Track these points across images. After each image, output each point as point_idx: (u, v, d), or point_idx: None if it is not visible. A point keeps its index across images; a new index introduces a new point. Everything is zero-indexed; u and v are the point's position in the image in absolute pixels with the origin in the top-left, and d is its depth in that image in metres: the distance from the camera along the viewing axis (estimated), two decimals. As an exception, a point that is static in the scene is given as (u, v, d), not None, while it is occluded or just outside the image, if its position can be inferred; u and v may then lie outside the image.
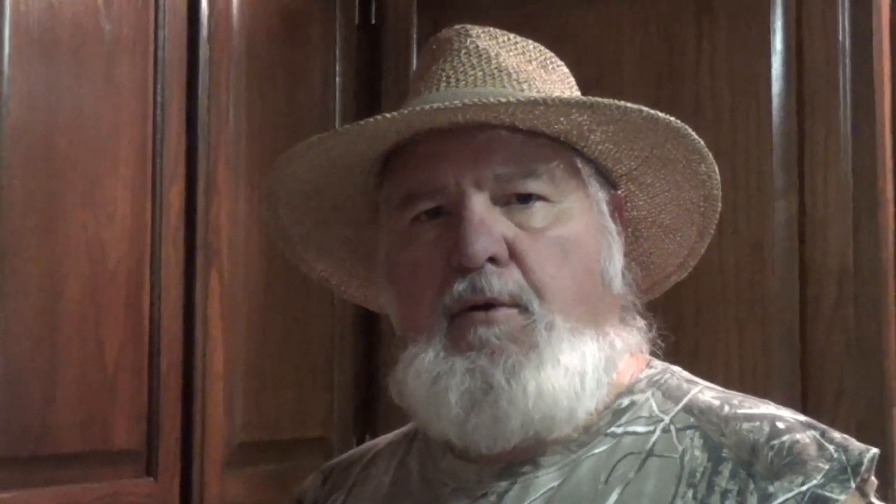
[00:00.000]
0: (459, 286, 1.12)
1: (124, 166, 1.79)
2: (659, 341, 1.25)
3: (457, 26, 1.22)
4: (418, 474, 1.25)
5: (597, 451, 1.16)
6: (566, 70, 1.26)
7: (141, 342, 1.82)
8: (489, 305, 1.12)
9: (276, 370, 2.12)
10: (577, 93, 1.26)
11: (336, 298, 2.21)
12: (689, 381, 1.22)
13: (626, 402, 1.19)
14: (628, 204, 1.25)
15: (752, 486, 1.09)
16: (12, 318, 1.60)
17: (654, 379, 1.21)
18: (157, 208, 1.84)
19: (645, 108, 1.13)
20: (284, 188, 1.24)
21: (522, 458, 1.16)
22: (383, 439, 1.37)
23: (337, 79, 2.30)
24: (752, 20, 2.15)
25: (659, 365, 1.24)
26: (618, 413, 1.18)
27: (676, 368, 1.25)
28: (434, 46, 1.22)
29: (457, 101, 1.10)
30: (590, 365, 1.13)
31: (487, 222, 1.12)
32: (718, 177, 1.22)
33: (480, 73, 1.17)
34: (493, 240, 1.12)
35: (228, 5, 2.01)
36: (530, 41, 1.23)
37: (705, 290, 2.13)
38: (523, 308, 1.12)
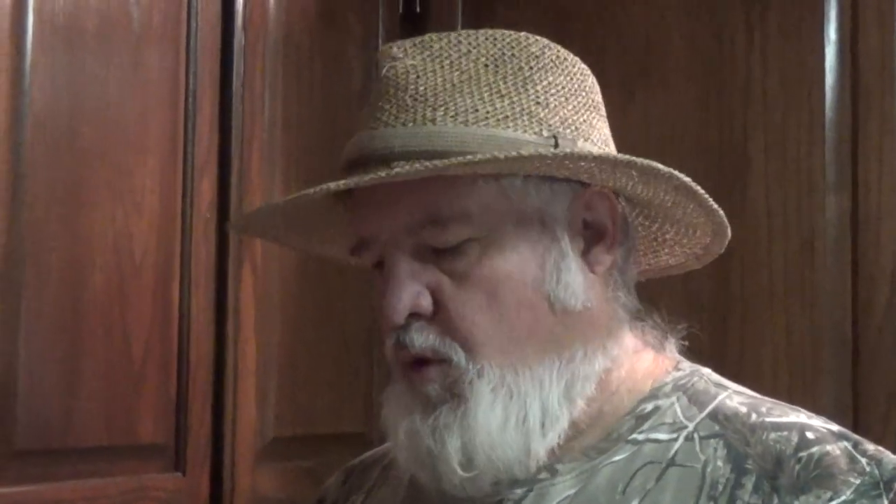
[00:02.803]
0: (389, 342, 1.12)
1: (153, 156, 1.76)
2: (682, 342, 1.19)
3: (385, 46, 1.17)
4: (434, 480, 1.21)
5: (616, 458, 1.11)
6: (534, 51, 1.14)
7: (169, 335, 1.79)
8: (423, 360, 1.11)
9: (311, 364, 2.09)
10: (541, 76, 1.13)
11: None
12: (717, 385, 1.17)
13: (649, 406, 1.14)
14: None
15: (776, 500, 1.04)
16: (35, 309, 1.58)
17: (681, 382, 1.16)
18: (187, 200, 1.82)
19: (503, 156, 1.05)
20: (268, 237, 1.30)
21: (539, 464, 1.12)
22: (404, 439, 1.33)
23: (379, 68, 2.26)
24: (806, 8, 2.10)
25: (687, 367, 1.19)
26: (641, 418, 1.14)
27: (706, 371, 1.19)
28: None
29: (323, 186, 1.08)
30: (534, 402, 1.10)
31: (403, 282, 1.09)
32: (667, 170, 1.10)
33: (394, 109, 1.11)
34: (411, 296, 1.09)
35: (265, -8, 1.98)
36: (485, 32, 1.14)
37: (753, 288, 2.08)
38: (448, 361, 1.10)
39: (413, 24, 2.33)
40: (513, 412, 1.09)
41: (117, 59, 1.70)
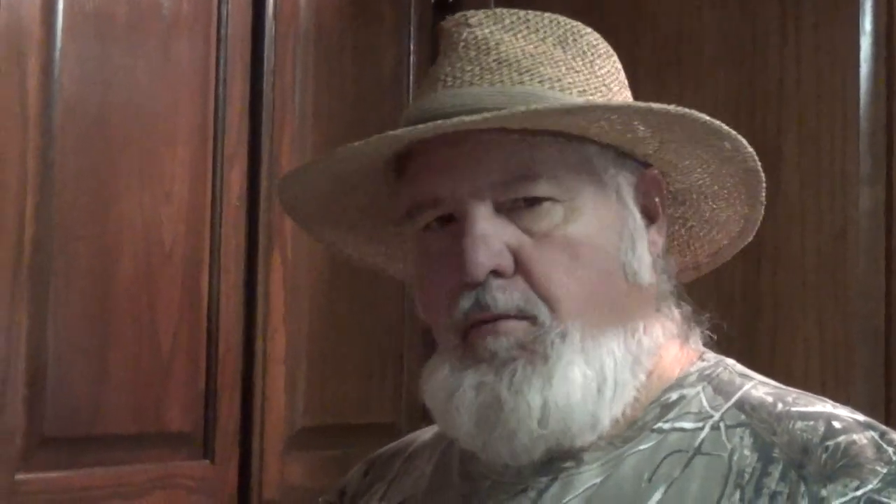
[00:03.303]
0: (466, 303, 1.08)
1: (182, 145, 1.76)
2: (710, 334, 1.19)
3: (458, 14, 1.16)
4: (459, 468, 1.21)
5: (641, 447, 1.11)
6: (591, 39, 1.17)
7: (198, 324, 1.79)
8: (497, 319, 1.08)
9: (341, 353, 2.09)
10: (602, 62, 1.17)
11: (407, 279, 2.17)
12: (742, 376, 1.16)
13: (674, 396, 1.13)
14: (667, 178, 1.18)
15: (803, 488, 1.03)
16: (63, 297, 1.58)
17: (706, 372, 1.15)
18: (216, 189, 1.82)
19: (634, 104, 1.06)
20: (301, 204, 1.22)
21: (565, 452, 1.11)
22: (429, 430, 1.32)
23: (410, 59, 2.25)
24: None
25: (712, 357, 1.18)
26: (666, 407, 1.13)
27: (730, 361, 1.18)
28: (439, 38, 1.17)
29: (421, 126, 1.05)
30: (609, 370, 1.08)
31: (487, 235, 1.07)
32: (750, 149, 1.13)
33: (478, 70, 1.11)
34: (494, 253, 1.07)
35: (296, -20, 1.98)
36: (547, 16, 1.15)
37: (785, 281, 2.07)
38: (532, 319, 1.08)
39: (445, 13, 2.31)
40: (591, 377, 1.08)
41: (147, 47, 1.71)
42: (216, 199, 1.82)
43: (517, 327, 1.07)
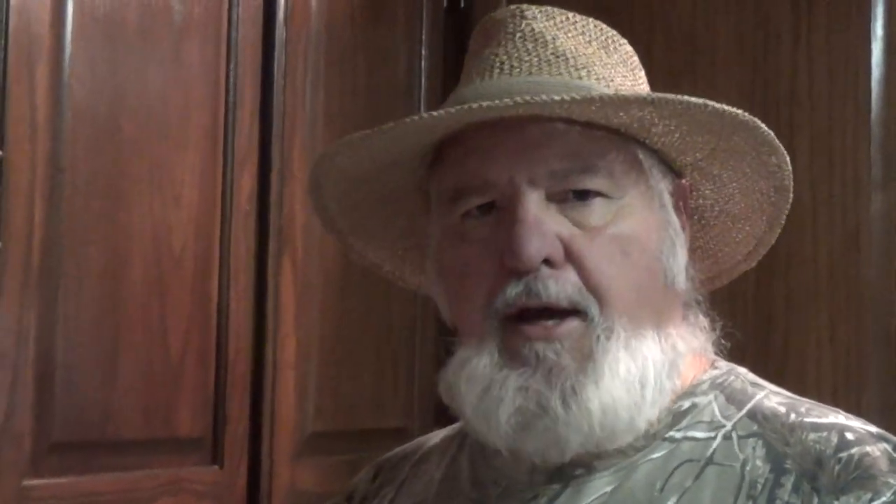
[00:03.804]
0: (513, 290, 1.06)
1: (193, 150, 1.76)
2: (722, 340, 1.18)
3: (512, 6, 1.15)
4: (469, 473, 1.20)
5: (654, 456, 1.10)
6: (629, 49, 1.18)
7: (208, 328, 1.79)
8: (545, 311, 1.06)
9: (352, 357, 2.08)
10: (640, 74, 1.19)
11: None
12: (754, 385, 1.15)
13: (686, 404, 1.13)
14: (694, 192, 1.18)
15: (815, 500, 1.02)
16: (73, 301, 1.58)
17: (718, 381, 1.15)
18: (227, 193, 1.81)
19: (710, 103, 1.06)
20: (329, 181, 1.19)
21: (577, 460, 1.10)
22: (438, 434, 1.32)
23: (422, 63, 2.25)
24: (852, 4, 2.07)
25: (723, 366, 1.18)
26: (678, 416, 1.12)
27: (742, 370, 1.18)
28: (488, 28, 1.16)
29: (507, 99, 1.04)
30: (651, 371, 1.07)
31: (542, 222, 1.06)
32: (790, 168, 1.16)
33: (536, 60, 1.11)
34: (548, 240, 1.06)
35: (307, -16, 1.98)
36: (591, 20, 1.16)
37: (797, 285, 2.06)
38: (582, 314, 1.07)
39: (457, 17, 2.32)
40: (635, 376, 1.07)
41: (158, 52, 1.70)
42: (226, 203, 1.82)
43: (571, 330, 1.06)
